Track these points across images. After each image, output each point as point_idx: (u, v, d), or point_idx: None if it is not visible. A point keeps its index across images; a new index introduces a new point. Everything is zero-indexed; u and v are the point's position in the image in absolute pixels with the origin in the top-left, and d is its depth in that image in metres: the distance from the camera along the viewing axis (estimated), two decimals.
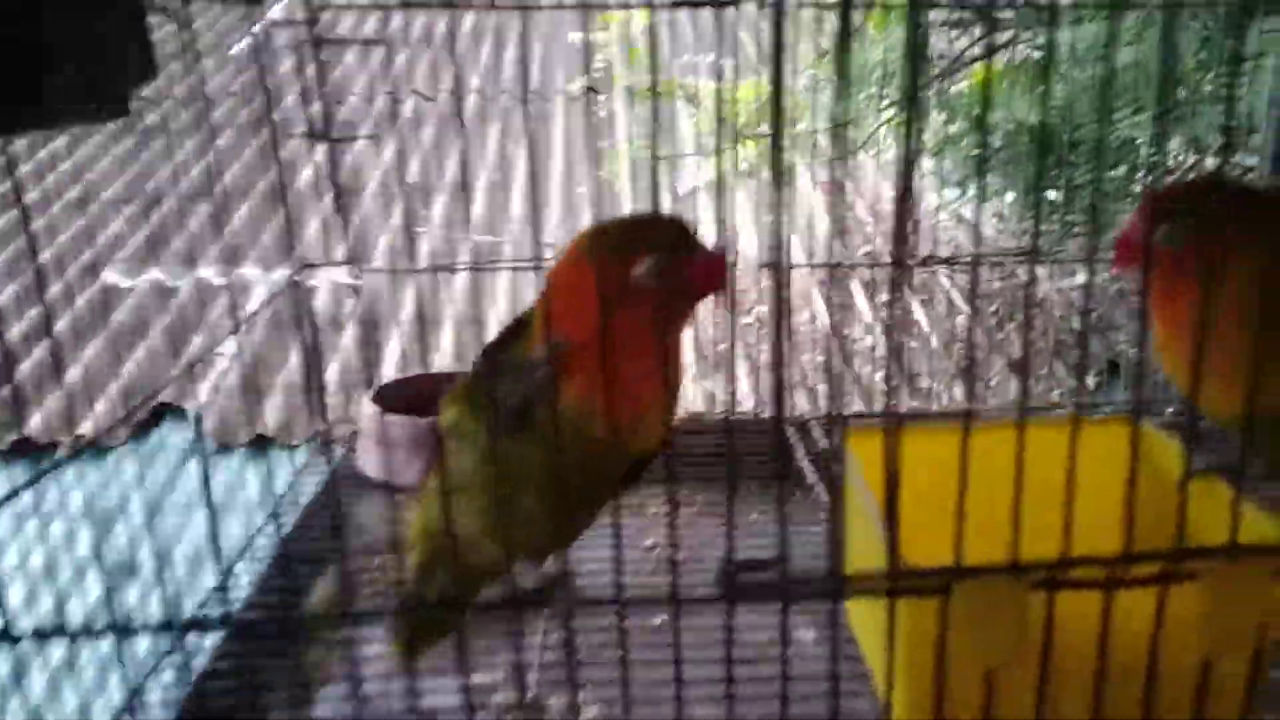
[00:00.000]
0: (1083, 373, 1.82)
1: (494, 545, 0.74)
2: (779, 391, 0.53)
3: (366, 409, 1.20)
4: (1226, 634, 0.62)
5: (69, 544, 1.15)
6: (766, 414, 1.87)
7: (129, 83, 0.50)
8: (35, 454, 1.77)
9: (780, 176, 0.51)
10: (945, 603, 0.58)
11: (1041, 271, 2.26)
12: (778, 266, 0.52)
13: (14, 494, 0.61)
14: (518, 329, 0.86)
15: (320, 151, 1.19)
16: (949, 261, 1.85)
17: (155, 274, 1.99)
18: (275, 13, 1.03)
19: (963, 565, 0.58)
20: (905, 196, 0.67)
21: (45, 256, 1.39)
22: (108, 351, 1.69)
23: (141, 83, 0.51)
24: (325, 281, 1.62)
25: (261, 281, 1.62)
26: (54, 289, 1.76)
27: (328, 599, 0.89)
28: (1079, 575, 0.59)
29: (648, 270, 0.76)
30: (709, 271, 0.77)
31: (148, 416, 1.85)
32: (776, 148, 0.50)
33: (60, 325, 1.76)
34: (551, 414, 0.67)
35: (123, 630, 0.50)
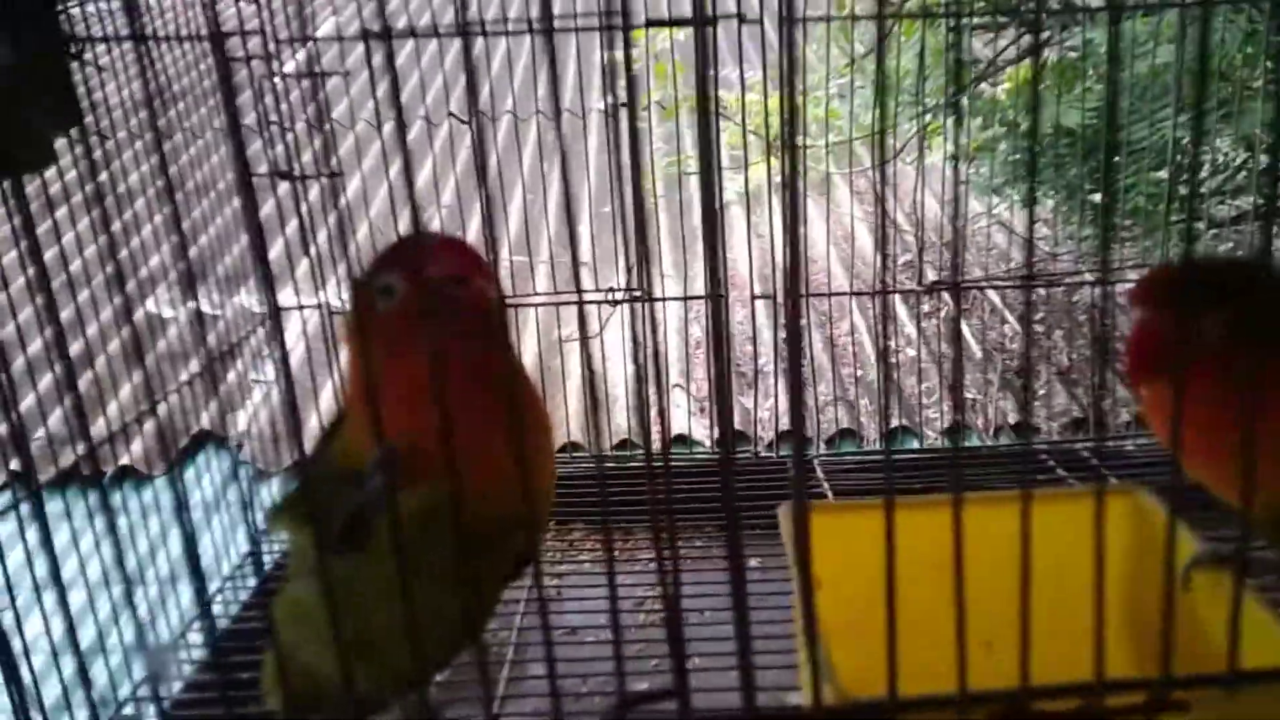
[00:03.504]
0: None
1: (350, 681, 0.59)
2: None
3: None
4: None
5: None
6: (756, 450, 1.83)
7: (52, 130, 0.48)
8: (82, 484, 1.80)
9: (796, 202, 0.46)
10: None
11: (1090, 276, 2.19)
12: (795, 291, 0.47)
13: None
14: (331, 430, 0.75)
15: (304, 187, 1.18)
16: (956, 286, 1.80)
17: (196, 304, 2.02)
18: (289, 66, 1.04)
19: (899, 697, 0.48)
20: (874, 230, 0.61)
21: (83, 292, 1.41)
22: (150, 381, 1.71)
23: (66, 130, 0.50)
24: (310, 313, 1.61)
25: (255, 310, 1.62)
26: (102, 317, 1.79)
27: None
28: (1045, 707, 0.48)
29: (379, 289, 0.66)
30: (449, 257, 0.64)
31: (187, 445, 1.86)
32: (793, 174, 0.45)
33: (104, 354, 1.79)
34: (395, 526, 0.53)
35: None
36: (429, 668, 0.73)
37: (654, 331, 0.47)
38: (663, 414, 0.44)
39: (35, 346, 1.53)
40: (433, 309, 0.62)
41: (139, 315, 1.94)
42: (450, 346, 0.58)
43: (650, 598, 1.40)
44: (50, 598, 0.48)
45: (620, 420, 1.93)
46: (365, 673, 0.65)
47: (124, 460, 1.81)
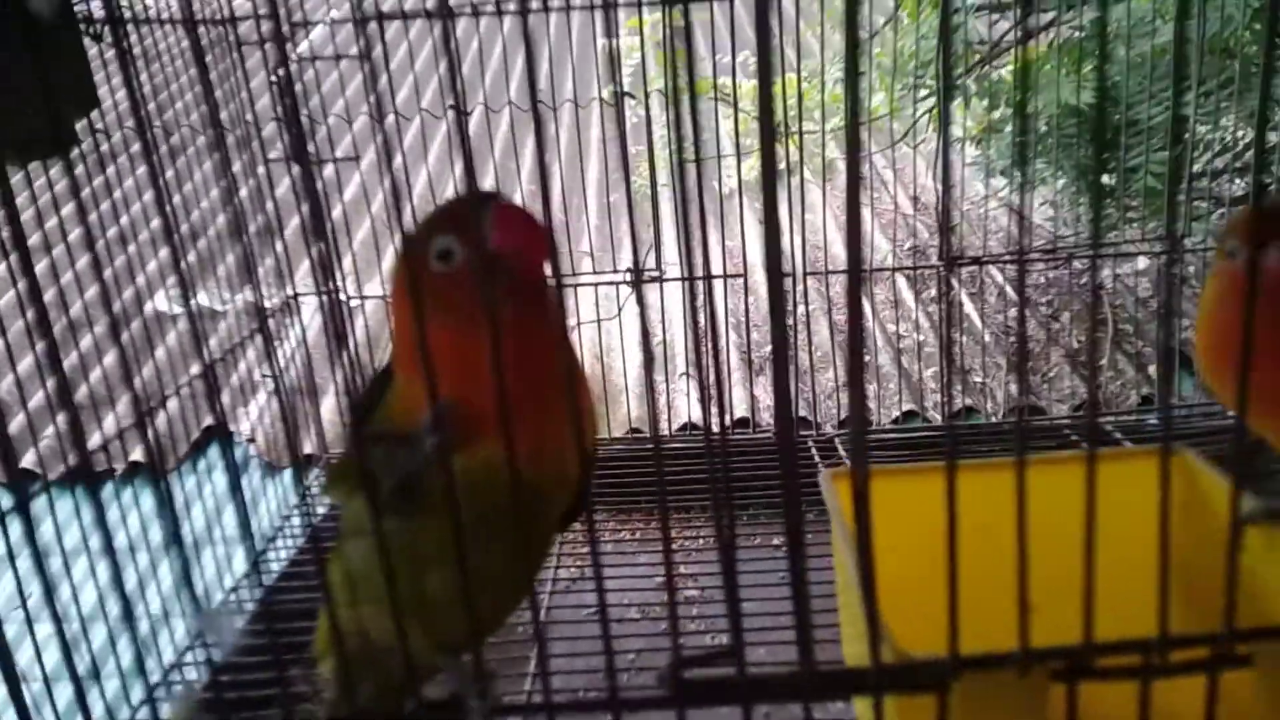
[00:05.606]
0: (1092, 371, 1.74)
1: (405, 645, 0.58)
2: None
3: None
4: None
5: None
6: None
7: (70, 115, 0.47)
8: (94, 479, 1.80)
9: (771, 177, 0.45)
10: (943, 701, 0.47)
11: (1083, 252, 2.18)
12: (776, 271, 0.45)
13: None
14: (383, 382, 0.72)
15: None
16: (976, 261, 1.79)
17: (203, 299, 2.02)
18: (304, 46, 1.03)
19: (960, 655, 0.46)
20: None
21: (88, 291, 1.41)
22: (162, 375, 1.71)
23: (83, 114, 0.49)
24: (311, 307, 1.60)
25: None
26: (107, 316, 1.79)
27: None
28: (1107, 664, 0.47)
29: (436, 252, 0.64)
30: (512, 228, 0.63)
31: (196, 440, 1.87)
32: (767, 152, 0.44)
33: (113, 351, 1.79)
34: (449, 486, 0.51)
35: None
36: (482, 630, 0.73)
37: (664, 312, 0.46)
38: (720, 388, 0.44)
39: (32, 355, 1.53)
40: (492, 277, 0.61)
41: (148, 310, 1.94)
42: (505, 313, 0.56)
43: (679, 575, 1.38)
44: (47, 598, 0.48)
45: (623, 410, 1.92)
46: (418, 635, 0.65)
47: (133, 457, 1.82)
